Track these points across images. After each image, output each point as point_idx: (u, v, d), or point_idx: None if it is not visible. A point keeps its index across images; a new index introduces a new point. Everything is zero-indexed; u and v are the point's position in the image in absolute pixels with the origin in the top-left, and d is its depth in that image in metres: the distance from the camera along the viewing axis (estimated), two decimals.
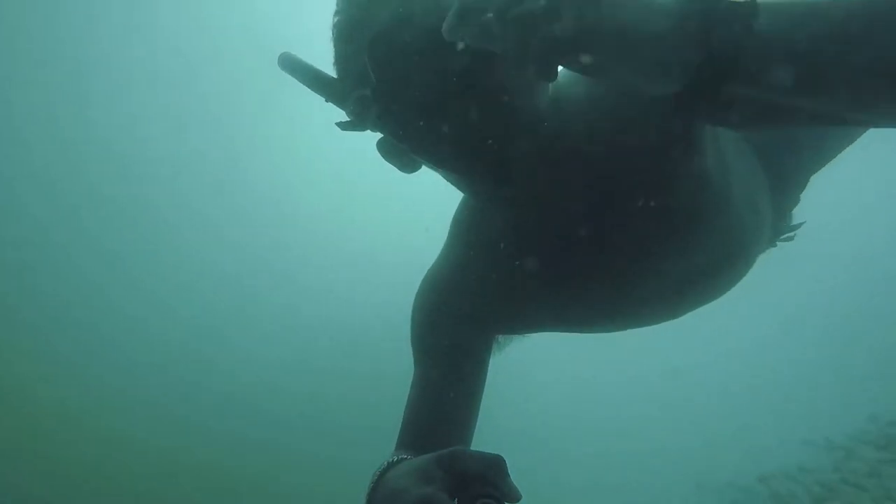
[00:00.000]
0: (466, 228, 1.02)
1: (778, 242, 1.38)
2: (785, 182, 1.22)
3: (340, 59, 0.86)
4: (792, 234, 1.41)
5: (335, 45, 0.86)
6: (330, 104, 0.89)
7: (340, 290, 13.88)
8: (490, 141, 0.80)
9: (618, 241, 0.92)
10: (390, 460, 0.71)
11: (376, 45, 0.77)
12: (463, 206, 1.04)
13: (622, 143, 0.85)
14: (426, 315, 1.01)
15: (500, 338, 1.06)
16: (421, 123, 0.81)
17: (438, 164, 0.87)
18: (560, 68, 0.62)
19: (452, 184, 0.95)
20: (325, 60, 0.88)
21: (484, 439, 0.98)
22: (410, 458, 0.69)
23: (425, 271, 1.07)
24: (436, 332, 0.99)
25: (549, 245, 0.94)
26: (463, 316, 0.99)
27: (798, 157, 1.24)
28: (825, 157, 1.28)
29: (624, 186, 0.87)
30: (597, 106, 0.84)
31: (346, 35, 0.83)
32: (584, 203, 0.89)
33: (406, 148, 0.87)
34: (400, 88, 0.79)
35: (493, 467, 0.58)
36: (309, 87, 0.90)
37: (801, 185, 1.31)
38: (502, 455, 0.60)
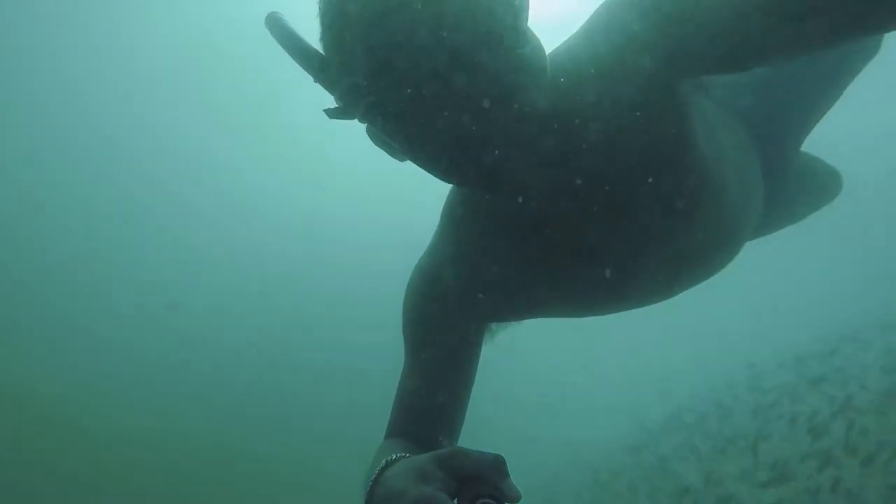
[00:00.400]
0: (459, 218, 0.99)
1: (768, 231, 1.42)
2: (775, 151, 1.24)
3: (330, 41, 0.77)
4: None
5: (324, 25, 0.77)
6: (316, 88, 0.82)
7: (344, 280, 13.92)
8: (484, 146, 0.75)
9: (613, 230, 0.91)
10: (389, 458, 0.69)
11: (373, 35, 0.70)
12: (455, 194, 1.01)
13: (618, 136, 0.84)
14: (419, 305, 0.99)
15: (493, 325, 1.05)
16: (412, 122, 0.75)
17: (428, 164, 0.81)
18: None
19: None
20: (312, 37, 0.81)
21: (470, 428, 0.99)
22: (409, 457, 0.67)
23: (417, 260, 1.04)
24: (429, 322, 0.98)
25: (545, 235, 0.93)
26: (456, 305, 0.97)
27: (787, 126, 1.25)
28: (813, 119, 1.29)
29: (620, 177, 0.87)
30: (592, 101, 0.83)
31: (340, 13, 0.74)
32: (580, 194, 0.88)
33: (395, 146, 0.81)
34: (394, 82, 0.72)
35: (493, 468, 0.57)
36: (294, 59, 0.81)
37: (794, 152, 1.32)
38: (500, 454, 0.58)
